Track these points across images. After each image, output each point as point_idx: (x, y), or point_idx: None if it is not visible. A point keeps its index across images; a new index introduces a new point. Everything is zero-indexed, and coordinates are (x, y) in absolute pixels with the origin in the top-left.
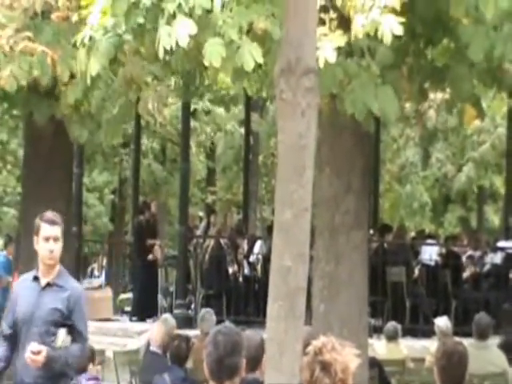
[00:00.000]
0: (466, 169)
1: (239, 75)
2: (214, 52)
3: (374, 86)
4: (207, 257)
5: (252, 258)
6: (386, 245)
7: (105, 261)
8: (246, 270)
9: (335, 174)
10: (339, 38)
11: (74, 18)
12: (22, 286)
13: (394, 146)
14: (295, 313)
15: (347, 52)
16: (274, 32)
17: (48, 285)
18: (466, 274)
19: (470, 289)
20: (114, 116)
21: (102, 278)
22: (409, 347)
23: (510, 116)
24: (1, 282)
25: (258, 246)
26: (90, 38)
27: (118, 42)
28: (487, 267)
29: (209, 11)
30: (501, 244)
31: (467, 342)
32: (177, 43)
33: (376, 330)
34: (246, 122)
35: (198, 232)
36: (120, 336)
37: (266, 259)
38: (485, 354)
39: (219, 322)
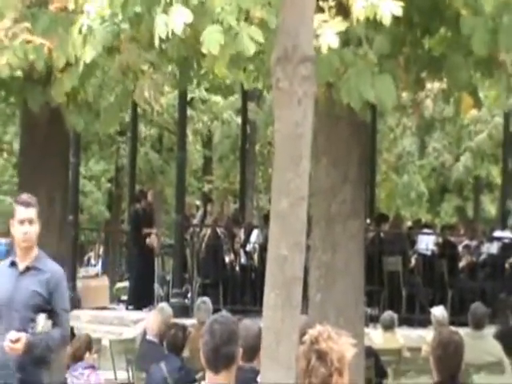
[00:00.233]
0: (463, 159)
1: (236, 63)
2: (212, 40)
3: (370, 75)
4: (204, 246)
5: (249, 247)
6: (382, 234)
7: (101, 249)
8: (243, 259)
9: (332, 163)
10: (339, 24)
11: (71, 6)
12: None
13: (391, 136)
14: (292, 302)
15: (344, 40)
16: (270, 21)
17: (27, 269)
18: (462, 264)
19: (466, 278)
20: (110, 104)
21: (99, 267)
22: (405, 336)
23: None
24: None
25: (254, 235)
26: (88, 28)
27: (115, 31)
28: (483, 257)
29: None
30: (497, 234)
31: (463, 332)
32: (172, 31)
33: (372, 320)
34: (243, 111)
35: (195, 221)
36: (116, 324)
37: (263, 248)
38: (481, 344)
39: (216, 311)
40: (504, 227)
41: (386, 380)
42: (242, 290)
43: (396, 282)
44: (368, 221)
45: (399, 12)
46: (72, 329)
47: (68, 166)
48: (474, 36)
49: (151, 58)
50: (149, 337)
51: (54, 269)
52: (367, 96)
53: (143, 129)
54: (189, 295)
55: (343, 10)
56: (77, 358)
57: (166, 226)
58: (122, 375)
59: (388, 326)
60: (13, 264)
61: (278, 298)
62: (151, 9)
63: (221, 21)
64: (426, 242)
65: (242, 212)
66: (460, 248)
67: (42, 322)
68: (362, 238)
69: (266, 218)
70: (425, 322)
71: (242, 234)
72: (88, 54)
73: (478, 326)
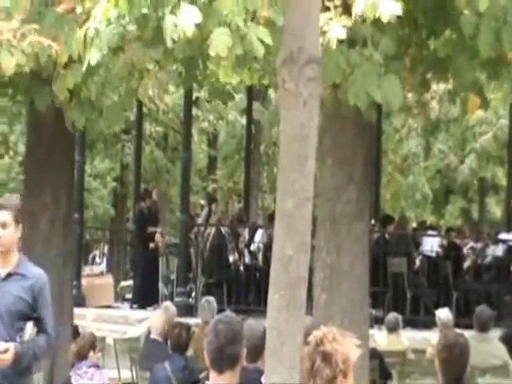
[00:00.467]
0: (469, 160)
1: (242, 63)
2: (220, 42)
3: (376, 76)
4: (208, 245)
5: (253, 247)
6: (387, 235)
7: (106, 248)
8: (247, 259)
9: (337, 164)
10: (345, 20)
11: (79, 10)
12: None
13: (397, 137)
14: (296, 302)
15: (350, 42)
16: (277, 20)
17: (9, 275)
18: (466, 265)
19: (471, 280)
20: (114, 103)
21: (104, 265)
22: (410, 338)
23: None
24: None
25: (259, 235)
26: (94, 30)
27: (121, 33)
28: (489, 259)
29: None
30: (502, 236)
31: (468, 334)
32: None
33: (377, 321)
34: (248, 111)
35: (199, 220)
36: (120, 323)
37: (267, 248)
38: (486, 347)
39: (220, 310)
40: (509, 229)
41: (391, 382)
42: (246, 289)
43: (401, 283)
44: (373, 222)
45: (399, 12)
46: (76, 327)
47: (73, 164)
48: (478, 37)
49: (156, 57)
50: (153, 336)
51: (37, 274)
52: (374, 97)
53: (148, 127)
54: (193, 294)
55: (349, 9)
56: (81, 356)
57: (170, 225)
58: (126, 374)
59: (392, 328)
60: None
61: (283, 299)
62: (158, 9)
63: (228, 22)
64: (431, 244)
65: (247, 212)
66: (465, 250)
67: (29, 329)
68: (367, 240)
69: (270, 218)
70: (429, 324)
71: (246, 233)
72: (93, 56)
73: (483, 328)
